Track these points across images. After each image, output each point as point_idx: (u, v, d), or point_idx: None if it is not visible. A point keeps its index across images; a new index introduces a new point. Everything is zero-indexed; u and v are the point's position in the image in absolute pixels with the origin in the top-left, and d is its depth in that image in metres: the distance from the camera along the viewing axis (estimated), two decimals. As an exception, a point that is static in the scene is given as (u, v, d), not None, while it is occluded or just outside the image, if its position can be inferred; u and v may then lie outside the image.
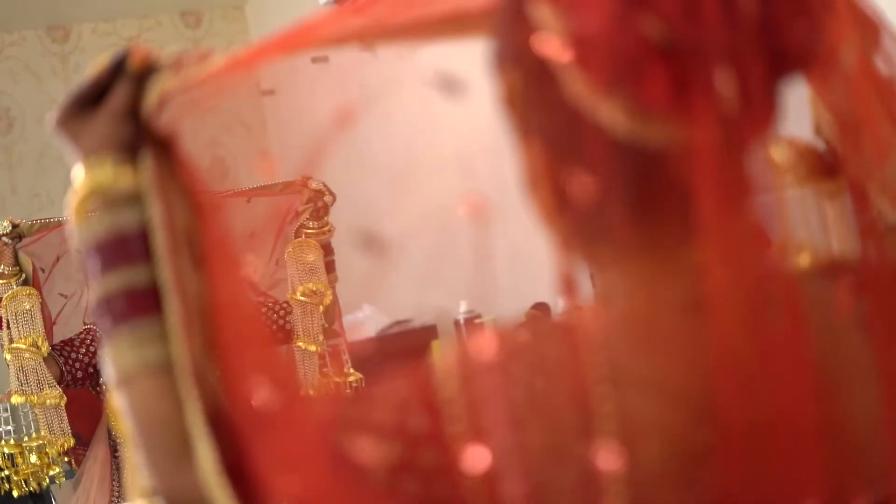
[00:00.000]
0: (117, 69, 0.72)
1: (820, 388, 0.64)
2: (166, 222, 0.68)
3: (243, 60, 0.73)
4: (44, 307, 2.21)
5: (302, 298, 2.17)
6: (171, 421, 0.67)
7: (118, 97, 0.71)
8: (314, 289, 2.17)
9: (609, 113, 0.62)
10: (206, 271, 0.69)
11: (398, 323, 3.36)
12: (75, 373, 2.28)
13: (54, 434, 2.09)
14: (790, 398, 0.62)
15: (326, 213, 2.19)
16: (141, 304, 0.69)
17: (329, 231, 2.21)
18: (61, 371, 2.24)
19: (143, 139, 0.69)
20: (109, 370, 0.69)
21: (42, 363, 2.10)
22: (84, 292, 2.40)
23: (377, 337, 3.25)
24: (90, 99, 0.73)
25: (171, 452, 0.68)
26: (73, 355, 2.28)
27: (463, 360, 0.65)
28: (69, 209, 0.72)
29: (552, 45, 0.63)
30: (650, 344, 0.65)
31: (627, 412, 0.62)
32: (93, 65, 0.73)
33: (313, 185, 2.17)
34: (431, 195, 1.18)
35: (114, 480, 2.36)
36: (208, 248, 0.71)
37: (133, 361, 0.68)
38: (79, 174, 0.71)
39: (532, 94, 0.66)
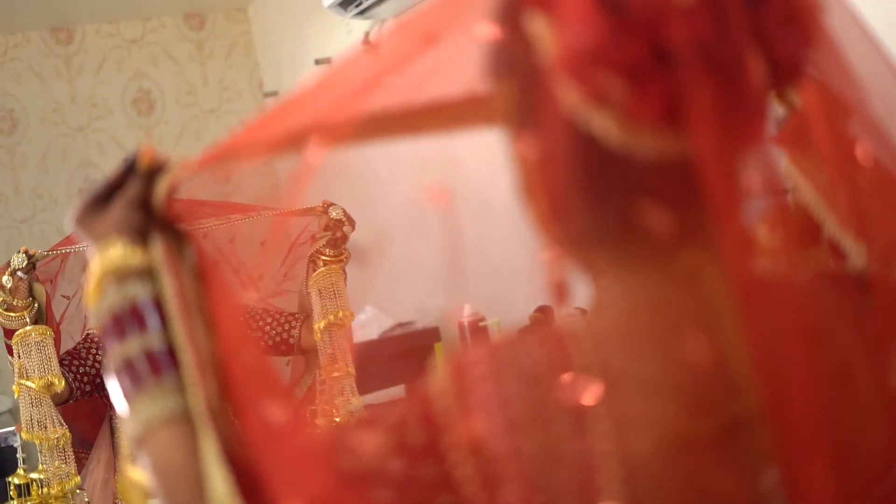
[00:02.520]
0: (129, 169, 0.78)
1: (821, 384, 0.66)
2: (177, 291, 0.74)
3: (231, 147, 0.79)
4: (50, 313, 2.21)
5: (333, 324, 2.15)
6: (188, 467, 0.71)
7: (130, 190, 0.77)
8: (342, 314, 2.17)
9: (602, 124, 0.63)
10: (216, 332, 0.74)
11: (401, 325, 3.36)
12: (84, 387, 2.27)
13: (67, 465, 2.09)
14: (793, 392, 0.64)
15: (345, 241, 2.18)
16: (158, 363, 0.73)
17: (347, 258, 2.20)
18: (71, 389, 2.23)
19: (153, 225, 0.76)
20: (130, 431, 0.73)
21: (49, 400, 2.09)
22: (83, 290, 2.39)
23: (380, 338, 3.26)
24: (105, 197, 0.79)
25: (188, 497, 0.71)
26: (82, 369, 2.27)
27: (457, 372, 0.67)
28: (86, 293, 0.77)
29: (546, 57, 0.64)
30: (645, 345, 0.66)
31: (621, 410, 0.64)
32: (110, 170, 0.80)
33: (334, 213, 2.15)
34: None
35: (117, 483, 2.37)
36: (216, 314, 0.75)
37: (153, 414, 0.72)
38: (93, 260, 0.77)
39: (527, 104, 0.67)
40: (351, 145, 0.76)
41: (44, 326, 2.11)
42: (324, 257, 2.17)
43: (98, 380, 2.29)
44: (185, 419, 0.72)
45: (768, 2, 0.64)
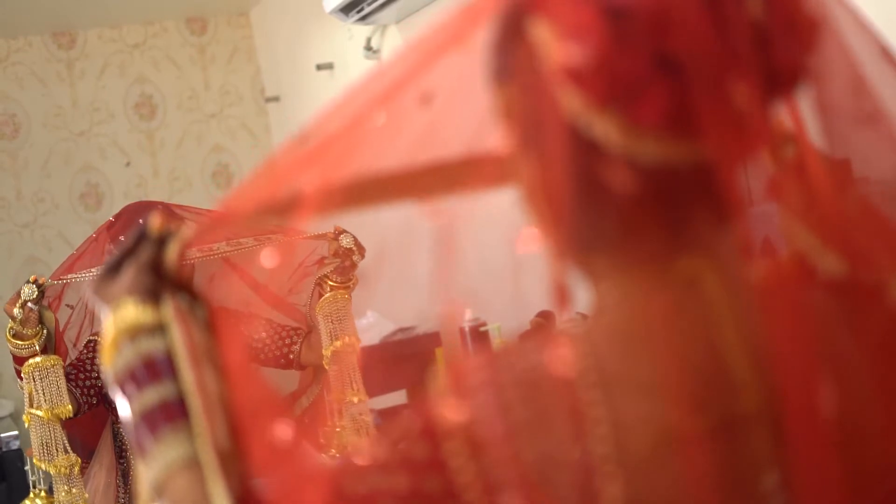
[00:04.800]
0: (140, 238, 0.82)
1: (826, 387, 0.67)
2: (186, 342, 0.77)
3: (233, 212, 0.85)
4: (59, 335, 2.23)
5: (339, 350, 2.15)
6: None
7: (141, 254, 0.81)
8: (349, 340, 2.16)
9: (604, 129, 0.64)
10: (225, 376, 0.77)
11: (402, 330, 3.37)
12: (91, 399, 2.27)
13: (78, 489, 2.11)
14: (799, 394, 0.65)
15: (353, 269, 2.17)
16: (174, 411, 0.76)
17: (354, 284, 2.19)
18: (79, 404, 2.23)
19: (164, 286, 0.80)
20: (150, 479, 0.76)
21: (60, 428, 2.10)
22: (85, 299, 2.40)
23: (381, 343, 3.26)
24: (119, 265, 0.82)
25: None
26: (88, 382, 2.27)
27: (455, 380, 0.68)
28: (102, 355, 0.81)
29: (549, 63, 0.64)
30: (643, 347, 0.67)
31: (618, 413, 0.65)
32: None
33: (344, 242, 2.13)
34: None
35: (119, 487, 2.37)
36: (225, 358, 0.78)
37: (171, 459, 0.75)
38: (107, 321, 0.81)
39: (529, 109, 0.68)
40: (348, 210, 0.79)
41: (53, 357, 2.12)
42: (331, 283, 2.16)
43: (104, 391, 2.28)
44: (200, 463, 0.74)
45: (771, 10, 0.64)
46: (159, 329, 0.78)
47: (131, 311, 0.79)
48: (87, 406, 2.26)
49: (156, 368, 0.77)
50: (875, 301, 0.72)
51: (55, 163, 4.58)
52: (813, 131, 0.73)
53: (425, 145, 0.72)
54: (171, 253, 0.81)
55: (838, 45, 0.71)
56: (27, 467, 2.19)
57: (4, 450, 3.59)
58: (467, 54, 0.71)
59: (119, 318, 0.79)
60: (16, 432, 3.68)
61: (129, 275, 0.81)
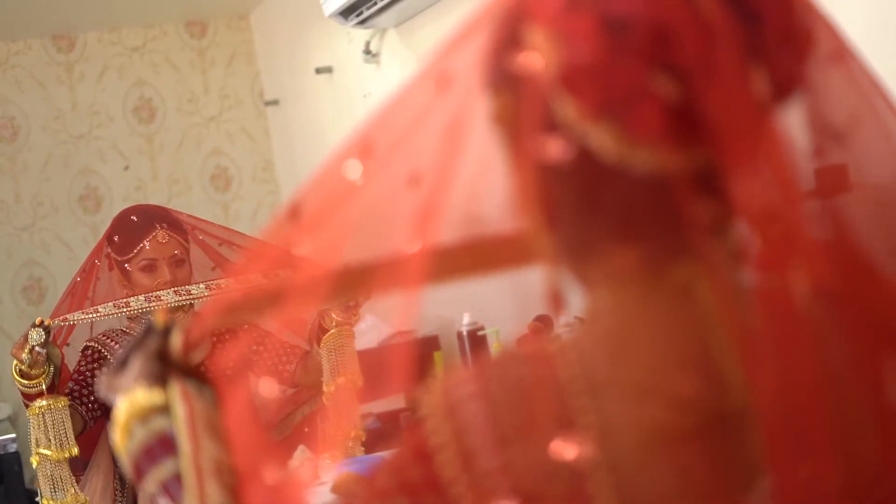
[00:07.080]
0: (147, 331, 0.87)
1: (823, 392, 0.66)
2: (188, 415, 0.81)
3: (231, 303, 0.89)
4: (64, 366, 2.24)
5: (342, 386, 2.15)
6: None
7: (148, 345, 0.86)
8: (353, 377, 2.16)
9: (598, 138, 0.64)
10: (229, 446, 0.81)
11: (400, 333, 3.36)
12: (95, 413, 2.27)
13: None
14: (795, 399, 0.65)
15: (358, 308, 2.17)
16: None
17: (357, 321, 2.19)
18: (84, 421, 2.24)
19: (171, 373, 0.84)
20: None
21: (67, 466, 2.12)
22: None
23: (379, 347, 3.26)
24: (127, 360, 0.86)
25: None
26: (92, 397, 2.27)
27: (445, 394, 0.69)
28: (115, 441, 0.85)
29: (544, 70, 0.65)
30: (634, 352, 0.67)
31: (607, 418, 0.65)
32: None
33: None
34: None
35: (116, 490, 2.36)
36: (227, 426, 0.82)
37: None
38: (118, 407, 0.85)
39: (523, 116, 0.68)
40: (341, 297, 0.82)
41: (61, 399, 2.13)
42: (335, 317, 2.16)
43: (107, 404, 2.27)
44: None
45: (765, 21, 0.65)
46: (168, 409, 0.82)
47: (140, 396, 0.83)
48: (92, 422, 2.27)
49: (170, 443, 0.81)
50: (865, 307, 0.72)
51: (54, 166, 4.58)
52: (809, 135, 0.73)
53: (417, 230, 0.71)
54: (176, 342, 0.85)
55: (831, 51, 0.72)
56: (38, 499, 2.22)
57: (2, 453, 3.58)
58: (449, 114, 0.71)
59: (129, 404, 0.83)
60: (13, 435, 3.68)
61: (137, 365, 0.85)
